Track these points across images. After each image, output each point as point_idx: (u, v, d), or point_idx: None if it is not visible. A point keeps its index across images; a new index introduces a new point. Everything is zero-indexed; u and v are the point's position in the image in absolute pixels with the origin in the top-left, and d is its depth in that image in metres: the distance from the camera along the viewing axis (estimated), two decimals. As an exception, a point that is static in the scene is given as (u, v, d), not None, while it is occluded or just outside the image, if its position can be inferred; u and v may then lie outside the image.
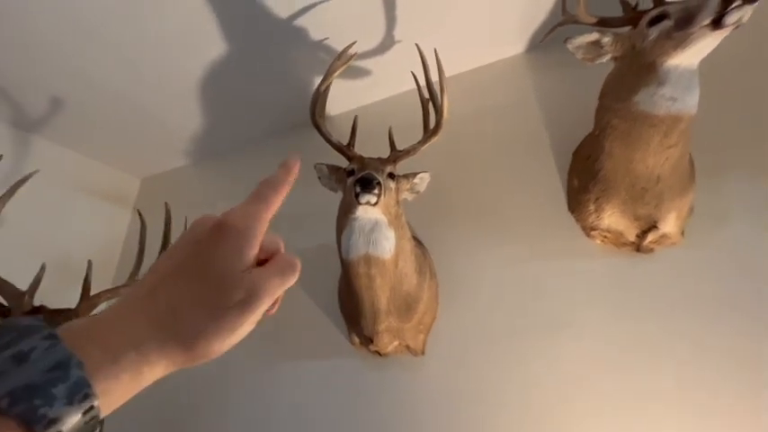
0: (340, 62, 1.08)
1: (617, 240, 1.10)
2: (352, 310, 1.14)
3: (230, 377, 1.38)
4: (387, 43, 1.36)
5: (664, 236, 1.04)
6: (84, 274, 1.03)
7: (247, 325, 0.33)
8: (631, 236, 1.06)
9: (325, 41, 1.32)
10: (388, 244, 0.97)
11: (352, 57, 1.08)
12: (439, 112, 1.06)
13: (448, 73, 1.07)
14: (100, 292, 1.04)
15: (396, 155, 1.05)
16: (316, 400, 1.24)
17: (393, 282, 1.03)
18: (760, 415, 0.86)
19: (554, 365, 1.08)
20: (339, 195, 1.10)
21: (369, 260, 0.98)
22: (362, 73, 1.44)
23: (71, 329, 0.29)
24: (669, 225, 1.01)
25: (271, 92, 1.50)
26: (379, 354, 1.19)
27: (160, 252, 1.12)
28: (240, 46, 1.31)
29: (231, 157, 1.76)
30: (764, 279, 0.94)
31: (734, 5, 0.72)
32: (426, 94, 1.10)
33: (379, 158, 1.02)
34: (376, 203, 0.88)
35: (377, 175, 0.87)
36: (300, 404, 1.26)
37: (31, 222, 1.48)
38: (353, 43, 1.12)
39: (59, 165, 1.63)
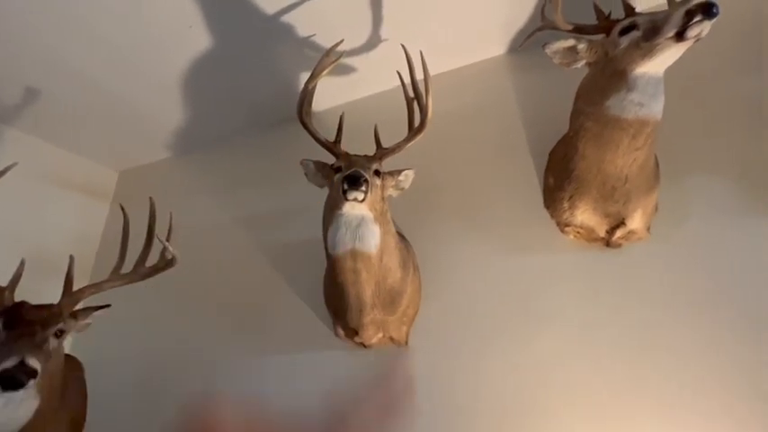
0: (328, 59, 1.10)
1: (588, 236, 1.17)
2: (337, 303, 1.17)
3: (217, 369, 1.39)
4: (373, 41, 1.38)
5: (631, 232, 1.11)
6: (66, 269, 1.02)
7: None
8: (602, 232, 1.13)
9: (312, 38, 1.33)
10: (373, 239, 1.01)
11: (340, 55, 1.10)
12: (423, 111, 1.09)
13: (431, 72, 1.11)
14: (83, 288, 1.03)
15: (381, 152, 1.08)
16: (302, 390, 1.27)
17: (378, 276, 1.07)
18: (716, 394, 0.95)
19: (530, 353, 1.15)
20: (324, 191, 1.12)
21: (355, 255, 1.01)
22: (348, 70, 1.46)
23: None
24: (636, 222, 1.09)
25: (256, 86, 1.50)
26: (364, 345, 1.23)
27: (144, 247, 1.11)
28: (227, 40, 1.30)
29: (214, 151, 1.75)
30: (722, 271, 1.03)
31: (695, 20, 0.78)
32: (411, 94, 1.13)
33: (366, 156, 1.04)
34: (363, 200, 0.91)
35: (364, 173, 0.90)
36: (286, 395, 1.28)
37: (6, 216, 1.44)
38: (341, 41, 1.14)
39: (35, 157, 1.58)
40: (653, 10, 0.97)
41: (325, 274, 1.28)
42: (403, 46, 1.07)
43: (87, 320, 1.04)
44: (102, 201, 1.83)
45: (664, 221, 1.13)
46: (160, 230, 1.12)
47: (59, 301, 0.97)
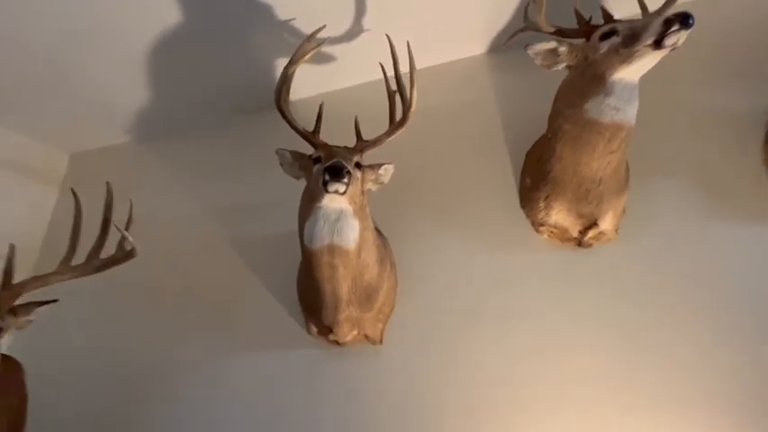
0: (309, 45, 1.06)
1: (562, 236, 1.20)
2: (311, 299, 1.13)
3: (182, 366, 1.31)
4: (354, 31, 1.34)
5: (601, 233, 1.15)
6: (6, 259, 0.91)
7: None
8: (575, 232, 1.16)
9: (292, 22, 1.27)
10: (352, 234, 0.98)
11: (322, 42, 1.05)
12: (406, 104, 1.07)
13: (406, 68, 1.08)
14: (25, 281, 0.93)
15: (362, 144, 1.05)
16: (272, 389, 1.22)
17: (355, 272, 1.04)
18: (681, 386, 1.00)
19: (503, 349, 1.16)
20: (298, 183, 1.08)
21: (332, 249, 0.97)
22: (328, 59, 1.41)
23: None
24: (606, 223, 1.13)
25: (230, 71, 1.42)
26: (338, 343, 1.20)
27: (99, 237, 1.02)
28: (201, 18, 1.22)
29: (179, 138, 1.64)
30: (684, 271, 1.09)
31: (672, 29, 0.81)
32: (394, 86, 1.10)
33: (346, 147, 1.01)
34: (344, 192, 0.88)
35: (346, 164, 0.87)
36: (255, 393, 1.23)
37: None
38: (323, 27, 1.09)
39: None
40: (631, 17, 1.01)
41: (300, 270, 1.23)
42: (387, 36, 1.05)
43: (29, 317, 0.94)
44: (50, 185, 1.67)
45: (631, 223, 1.17)
46: (117, 220, 1.03)
47: (-2, 296, 0.87)
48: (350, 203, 0.96)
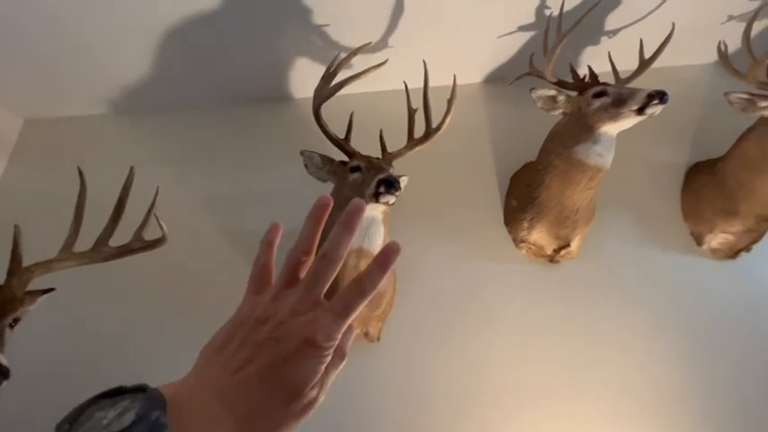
0: (350, 59, 1.10)
1: (538, 252, 1.41)
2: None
3: (169, 365, 1.25)
4: (361, 40, 1.39)
5: (569, 252, 1.38)
6: (12, 242, 0.82)
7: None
8: (549, 250, 1.38)
9: (310, 19, 1.29)
10: (380, 239, 1.06)
11: (381, 64, 1.10)
12: (429, 123, 1.18)
13: (418, 85, 1.17)
14: (32, 266, 0.84)
15: (390, 157, 1.13)
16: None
17: (372, 274, 1.12)
18: (634, 388, 1.26)
19: (482, 351, 1.33)
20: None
21: (361, 253, 1.04)
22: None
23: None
24: (575, 244, 1.36)
25: (238, 59, 1.39)
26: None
27: (110, 221, 0.94)
28: (225, 2, 1.18)
29: (168, 117, 1.53)
30: (631, 284, 1.37)
31: (653, 102, 1.04)
32: (414, 105, 1.20)
33: (380, 159, 1.09)
34: (393, 203, 0.96)
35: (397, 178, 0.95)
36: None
37: None
38: (369, 43, 1.15)
39: None
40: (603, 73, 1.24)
41: (310, 268, 1.27)
42: (424, 62, 1.14)
43: (30, 306, 0.85)
44: (-5, 151, 1.44)
45: (589, 245, 1.43)
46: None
47: (8, 282, 0.78)
48: (381, 211, 1.05)
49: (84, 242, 0.95)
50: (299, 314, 0.35)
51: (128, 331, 1.29)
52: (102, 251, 0.94)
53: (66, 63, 1.31)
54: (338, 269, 0.37)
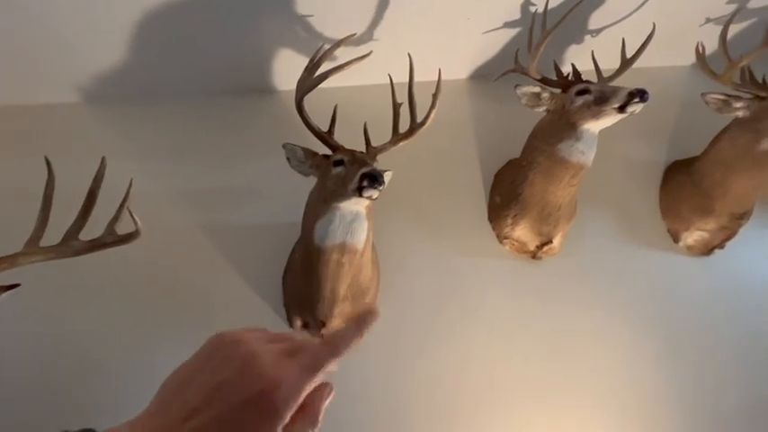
0: (333, 51, 1.08)
1: (521, 249, 1.42)
2: (305, 294, 1.16)
3: (148, 363, 1.21)
4: (350, 31, 1.37)
5: (551, 248, 1.40)
6: (-29, 235, 0.77)
7: None
8: (532, 246, 1.39)
9: (295, 10, 1.26)
10: (363, 234, 1.05)
11: (365, 56, 1.08)
12: (414, 117, 1.16)
13: (402, 79, 1.15)
14: (-9, 260, 0.80)
15: (375, 151, 1.11)
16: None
17: (355, 270, 1.11)
18: (610, 381, 1.28)
19: (466, 346, 1.34)
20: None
21: (344, 248, 1.03)
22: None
23: None
24: (557, 241, 1.38)
25: (218, 48, 1.34)
26: (322, 337, 1.24)
27: (80, 214, 0.90)
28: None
29: (141, 107, 1.46)
30: (610, 280, 1.40)
31: (634, 101, 1.06)
32: (399, 99, 1.19)
33: (364, 152, 1.07)
34: (376, 198, 0.95)
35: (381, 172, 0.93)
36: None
37: None
38: (353, 35, 1.13)
39: None
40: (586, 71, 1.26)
41: (292, 265, 1.25)
42: (409, 55, 1.13)
43: (-8, 303, 0.81)
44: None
45: (570, 241, 1.45)
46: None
47: (-33, 277, 0.73)
48: (364, 206, 1.03)
49: (55, 236, 0.91)
50: (267, 363, 0.32)
51: (104, 328, 1.24)
52: (72, 245, 0.89)
53: (36, 48, 1.24)
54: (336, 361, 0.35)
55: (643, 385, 1.29)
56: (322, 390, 0.35)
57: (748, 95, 1.25)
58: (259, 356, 0.33)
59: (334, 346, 0.35)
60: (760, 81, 1.26)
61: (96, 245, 0.90)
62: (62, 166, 0.94)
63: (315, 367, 0.33)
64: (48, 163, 0.89)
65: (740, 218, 1.40)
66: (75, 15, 1.17)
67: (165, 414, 0.32)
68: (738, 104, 1.25)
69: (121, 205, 0.92)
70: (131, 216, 0.88)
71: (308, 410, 0.34)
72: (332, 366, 0.34)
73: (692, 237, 1.45)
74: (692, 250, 1.48)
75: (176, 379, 0.35)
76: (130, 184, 0.92)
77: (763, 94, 1.24)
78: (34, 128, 1.43)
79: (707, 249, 1.47)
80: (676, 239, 1.48)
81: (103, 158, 0.90)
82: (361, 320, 0.37)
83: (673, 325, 1.37)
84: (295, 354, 0.34)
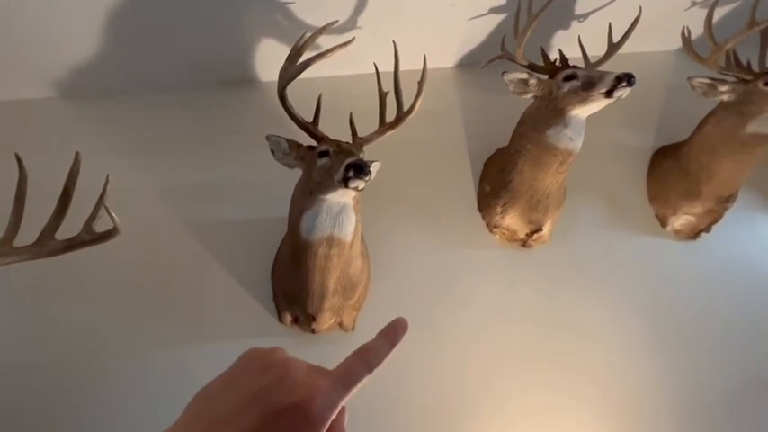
0: (314, 39, 1.05)
1: (511, 237, 1.42)
2: (294, 288, 1.14)
3: (146, 362, 1.19)
4: (332, 19, 1.34)
5: (541, 236, 1.40)
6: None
7: None
8: (522, 234, 1.39)
9: (289, 5, 1.23)
10: (351, 227, 1.03)
11: (348, 43, 1.05)
12: (400, 106, 1.14)
13: (387, 69, 1.13)
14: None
15: (361, 141, 1.09)
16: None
17: (344, 263, 1.09)
18: (599, 365, 1.29)
19: (458, 336, 1.34)
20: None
21: (331, 241, 1.01)
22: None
23: None
24: (547, 229, 1.38)
25: (197, 39, 1.30)
26: (313, 332, 1.23)
27: (56, 213, 0.87)
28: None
29: (118, 101, 1.42)
30: (599, 266, 1.41)
31: (621, 85, 1.05)
32: (385, 88, 1.16)
33: (350, 143, 1.05)
34: (362, 189, 0.93)
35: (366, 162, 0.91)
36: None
37: None
38: (335, 22, 1.09)
39: None
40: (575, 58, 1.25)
41: (280, 259, 1.23)
42: (394, 42, 1.11)
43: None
44: None
45: (560, 229, 1.45)
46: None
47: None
48: (351, 197, 1.01)
49: (29, 237, 0.88)
50: (301, 374, 0.32)
51: (92, 327, 1.21)
52: (48, 245, 0.86)
53: (5, 40, 1.19)
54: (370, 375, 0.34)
55: (633, 370, 1.30)
56: (342, 410, 0.34)
57: (733, 79, 1.25)
58: (295, 368, 0.32)
59: (367, 361, 0.34)
60: (745, 64, 1.26)
61: (73, 244, 0.87)
62: (39, 164, 0.91)
63: (349, 381, 0.32)
64: (19, 160, 0.85)
65: (726, 201, 1.42)
66: (50, 6, 1.12)
67: (199, 425, 0.31)
68: (724, 88, 1.25)
69: (98, 202, 0.88)
70: (108, 213, 0.85)
71: (335, 429, 0.33)
72: (365, 380, 0.33)
73: (679, 221, 1.46)
74: (679, 234, 1.49)
75: (209, 391, 0.34)
76: (107, 181, 0.89)
77: (748, 77, 1.24)
78: (8, 124, 1.37)
79: (693, 233, 1.48)
80: (664, 224, 1.49)
81: (77, 153, 0.87)
82: (392, 332, 0.35)
83: (661, 309, 1.38)
84: (325, 369, 0.34)
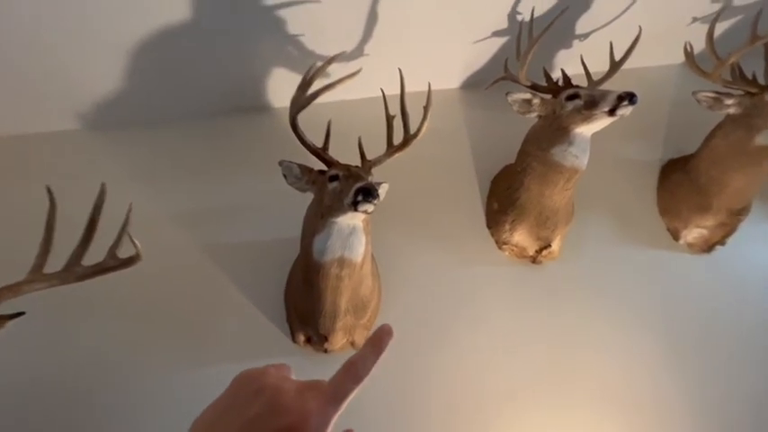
0: (323, 69, 1.10)
1: (520, 254, 1.42)
2: (307, 309, 1.16)
3: (148, 382, 1.22)
4: (340, 48, 1.40)
5: (551, 252, 1.40)
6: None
7: None
8: (531, 251, 1.39)
9: (292, 34, 1.29)
10: (361, 248, 1.05)
11: (354, 74, 1.10)
12: (407, 129, 1.18)
13: (394, 92, 1.18)
14: (-4, 290, 0.81)
15: (369, 164, 1.13)
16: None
17: (355, 283, 1.11)
18: (614, 382, 1.27)
19: (470, 353, 1.34)
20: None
21: (342, 262, 1.04)
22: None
23: None
24: (556, 245, 1.38)
25: (212, 71, 1.37)
26: (326, 351, 1.24)
27: (82, 240, 0.92)
28: (199, 15, 1.17)
29: (139, 132, 1.49)
30: (611, 281, 1.40)
31: (623, 104, 1.07)
32: (392, 111, 1.20)
33: (359, 167, 1.08)
34: (371, 212, 0.95)
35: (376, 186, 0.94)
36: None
37: None
38: (342, 53, 1.15)
39: None
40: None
41: (293, 280, 1.25)
42: (399, 70, 1.15)
43: (-2, 331, 0.82)
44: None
45: (569, 244, 1.45)
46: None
47: (-28, 308, 0.75)
48: (361, 220, 1.04)
49: (57, 264, 0.92)
50: (292, 397, 0.33)
51: (108, 349, 1.25)
52: (75, 271, 0.91)
53: (36, 77, 1.27)
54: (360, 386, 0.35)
55: (648, 385, 1.28)
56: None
57: (739, 92, 1.26)
58: (285, 391, 0.33)
59: (354, 372, 0.35)
60: (750, 77, 1.27)
61: (99, 270, 0.91)
62: (63, 193, 0.96)
63: (339, 397, 0.33)
64: (50, 192, 0.91)
65: (739, 213, 1.40)
66: (73, 44, 1.20)
67: None
68: (730, 101, 1.26)
69: (122, 230, 0.93)
70: (131, 240, 0.89)
71: None
72: (354, 392, 0.34)
73: (692, 234, 1.45)
74: (692, 248, 1.48)
75: (206, 419, 0.35)
76: (130, 209, 0.94)
77: (754, 90, 1.25)
78: (35, 156, 1.46)
79: (707, 246, 1.46)
80: (676, 237, 1.48)
81: (103, 185, 0.92)
82: (377, 341, 0.36)
83: (676, 323, 1.36)
84: (316, 386, 0.35)
